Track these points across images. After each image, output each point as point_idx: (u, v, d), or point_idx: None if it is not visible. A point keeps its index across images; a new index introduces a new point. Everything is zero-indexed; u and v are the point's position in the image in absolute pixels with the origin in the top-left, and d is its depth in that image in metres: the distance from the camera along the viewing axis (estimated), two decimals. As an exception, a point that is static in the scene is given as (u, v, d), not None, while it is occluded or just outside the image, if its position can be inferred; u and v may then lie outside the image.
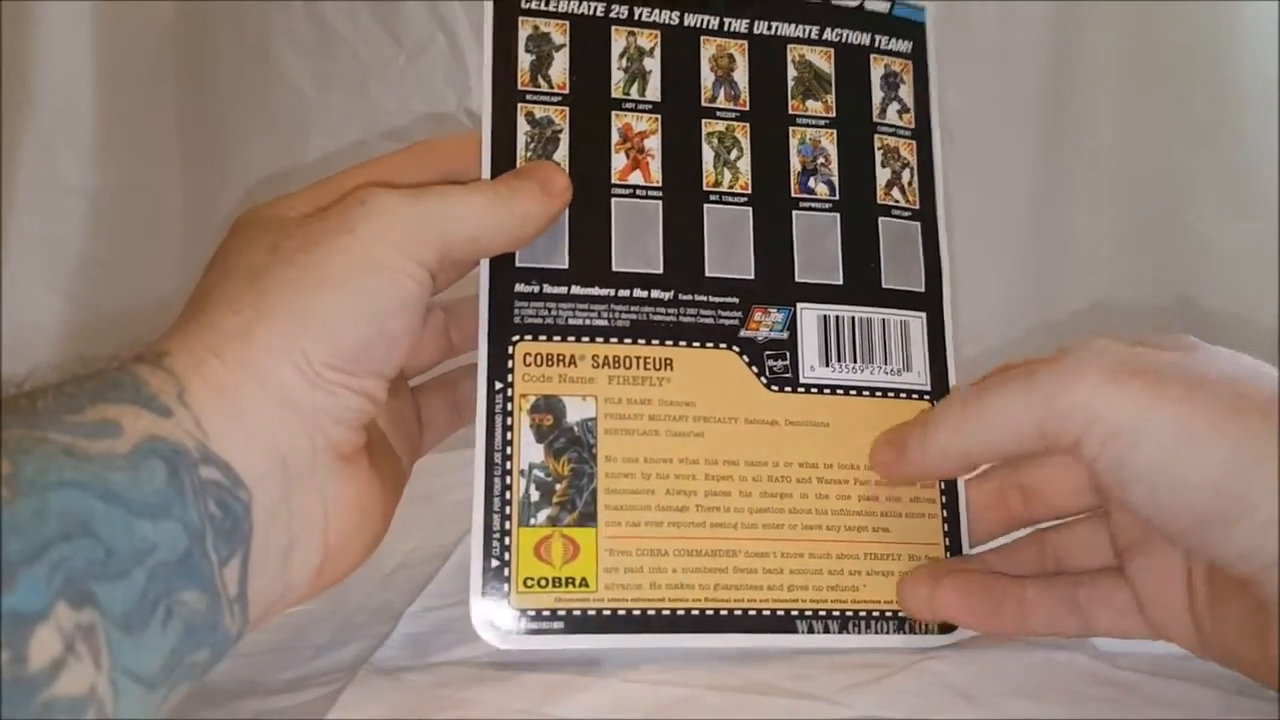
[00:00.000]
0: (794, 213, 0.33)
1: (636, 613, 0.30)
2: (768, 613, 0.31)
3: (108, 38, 0.57)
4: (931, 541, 0.32)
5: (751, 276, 0.33)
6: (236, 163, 0.58)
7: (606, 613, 0.30)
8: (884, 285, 0.33)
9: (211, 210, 0.58)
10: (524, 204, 0.29)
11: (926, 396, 0.33)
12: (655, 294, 0.32)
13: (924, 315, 0.34)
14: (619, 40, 0.33)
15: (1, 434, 0.21)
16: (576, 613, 0.30)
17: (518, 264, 0.32)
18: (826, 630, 0.31)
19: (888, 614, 0.32)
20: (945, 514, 0.32)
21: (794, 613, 0.31)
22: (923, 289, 0.34)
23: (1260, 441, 0.24)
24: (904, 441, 0.30)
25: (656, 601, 0.30)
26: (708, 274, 0.33)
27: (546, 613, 0.30)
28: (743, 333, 0.32)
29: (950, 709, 0.31)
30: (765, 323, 0.33)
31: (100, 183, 0.57)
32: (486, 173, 0.31)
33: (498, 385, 0.31)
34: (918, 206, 0.34)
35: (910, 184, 0.34)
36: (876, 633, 0.31)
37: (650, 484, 0.31)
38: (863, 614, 0.31)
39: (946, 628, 0.32)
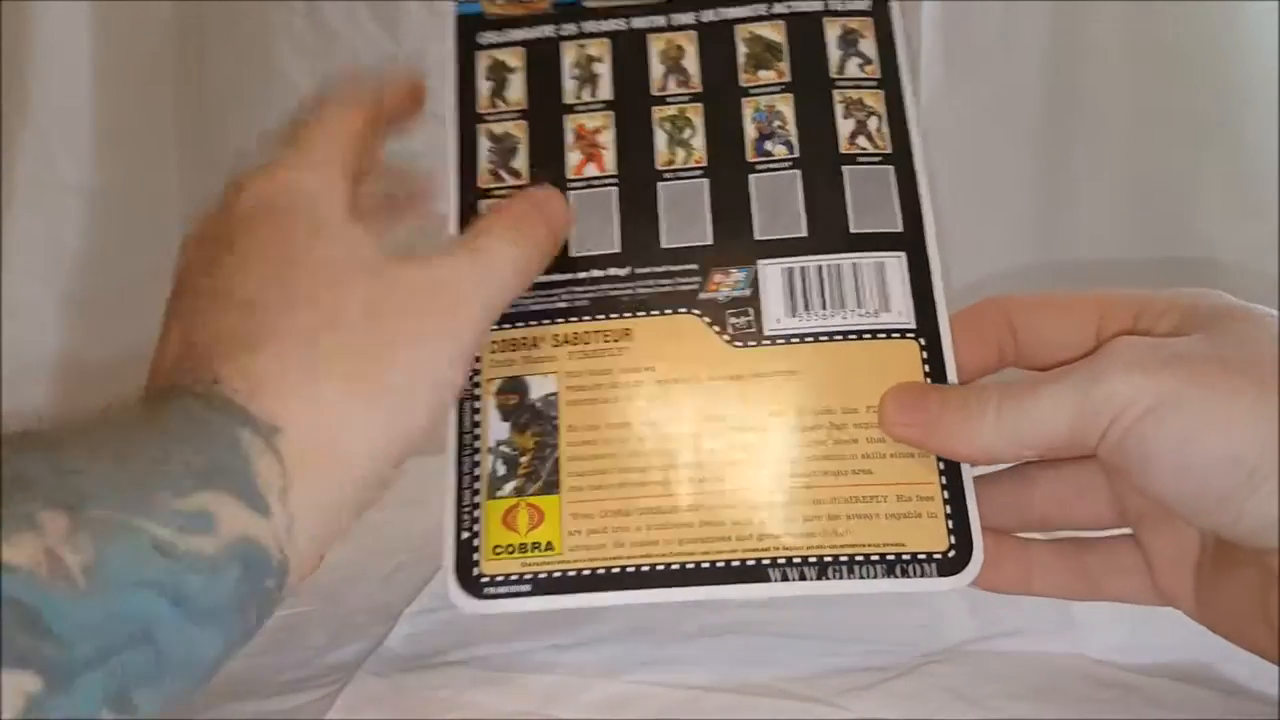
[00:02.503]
0: (751, 176, 0.34)
1: (602, 571, 0.31)
2: (737, 563, 0.31)
3: (106, 38, 0.57)
4: (925, 480, 0.31)
5: (710, 242, 0.33)
6: (235, 162, 0.58)
7: (572, 573, 0.31)
8: (853, 230, 0.33)
9: (211, 210, 0.58)
10: (544, 248, 0.31)
11: (910, 334, 0.32)
12: (612, 271, 0.33)
13: (903, 255, 0.33)
14: (569, 54, 0.36)
15: (89, 511, 0.20)
16: (542, 575, 0.31)
17: None
18: (803, 578, 0.31)
19: (874, 557, 0.30)
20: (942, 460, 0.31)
21: (765, 561, 0.31)
22: (900, 229, 0.33)
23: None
24: (934, 419, 0.29)
25: (623, 560, 0.31)
26: (664, 246, 0.33)
27: (514, 577, 0.31)
28: (702, 295, 0.33)
29: (950, 711, 0.31)
30: (726, 283, 0.33)
31: (99, 182, 0.57)
32: (453, 190, 0.35)
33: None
34: (889, 150, 0.34)
35: (879, 130, 0.34)
36: (861, 578, 0.30)
37: (612, 448, 0.32)
38: (844, 559, 0.30)
39: (946, 569, 0.30)
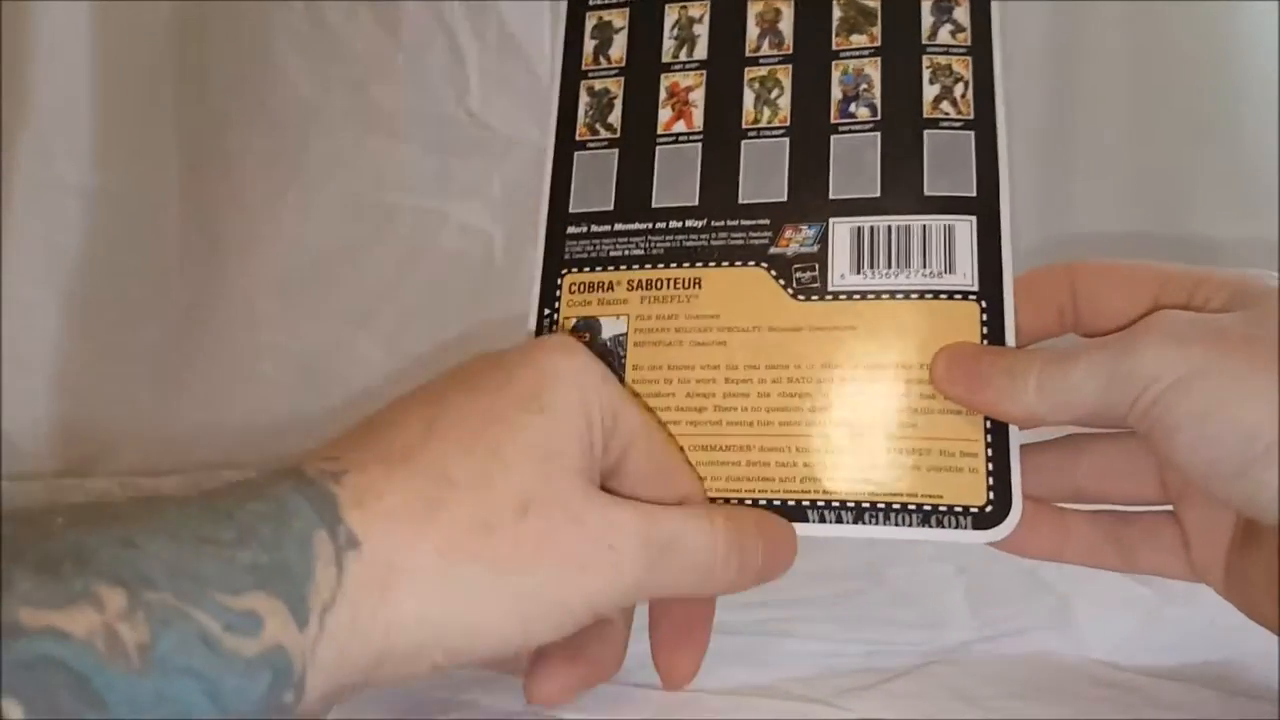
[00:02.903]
0: (833, 137, 0.35)
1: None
2: (778, 503, 0.32)
3: (106, 38, 0.56)
4: (971, 437, 0.31)
5: (784, 199, 0.34)
6: (235, 162, 0.58)
7: None
8: (926, 193, 0.33)
9: (210, 210, 0.58)
10: (737, 577, 0.30)
11: (972, 296, 0.32)
12: (690, 223, 0.35)
13: (974, 219, 0.33)
14: (671, 15, 0.37)
15: (149, 594, 0.20)
16: None
17: (571, 210, 0.36)
18: (839, 520, 0.32)
19: (910, 506, 0.31)
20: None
21: (804, 503, 0.32)
22: (974, 193, 0.33)
23: None
24: (983, 379, 0.30)
25: None
26: (741, 201, 0.35)
27: None
28: (772, 250, 0.34)
29: (950, 711, 0.31)
30: (795, 239, 0.34)
31: (99, 183, 0.57)
32: (551, 140, 0.37)
33: (546, 312, 0.36)
34: (971, 116, 0.34)
35: (964, 96, 0.35)
36: (897, 525, 0.31)
37: (672, 388, 0.33)
38: (881, 506, 0.31)
39: (981, 524, 0.30)
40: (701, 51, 0.37)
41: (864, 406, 0.32)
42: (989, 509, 0.30)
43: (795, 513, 0.32)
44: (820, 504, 0.32)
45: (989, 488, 0.30)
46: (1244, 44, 0.54)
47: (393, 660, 0.25)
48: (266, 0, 0.56)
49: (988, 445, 0.31)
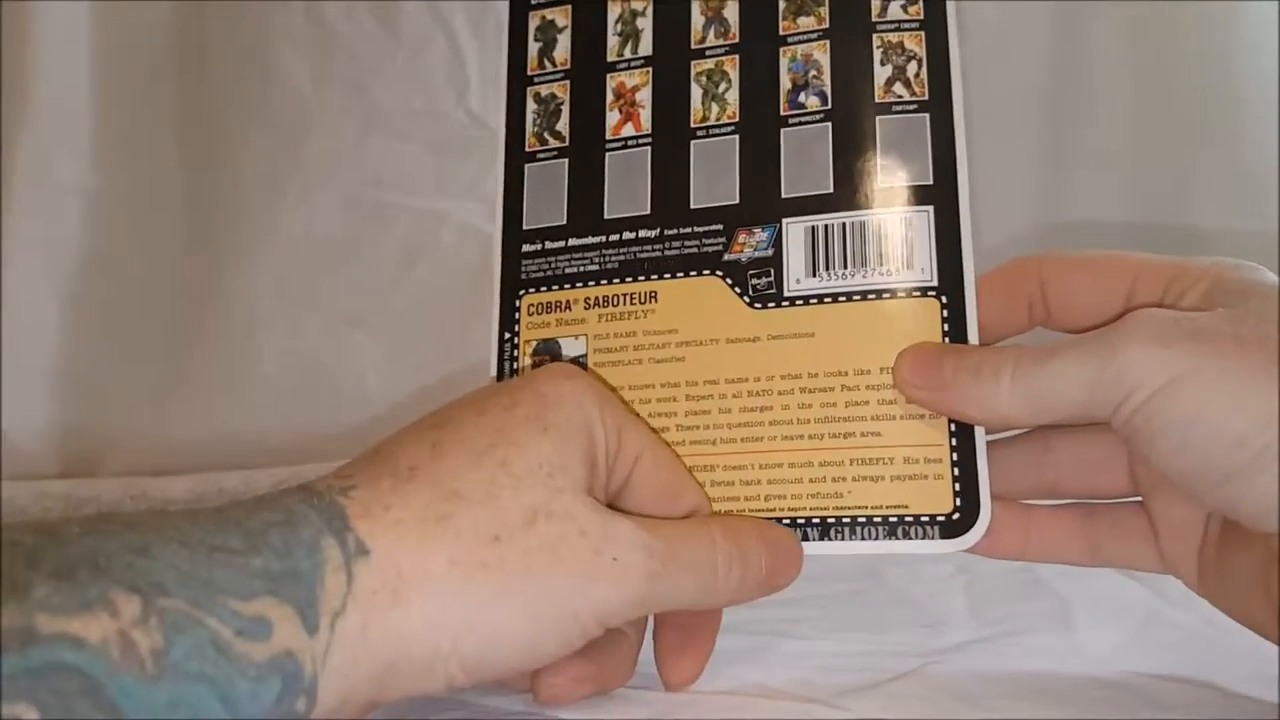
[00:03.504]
0: (783, 131, 0.33)
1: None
2: None
3: (106, 38, 0.57)
4: (935, 443, 0.30)
5: (736, 201, 0.33)
6: (235, 162, 0.58)
7: None
8: (880, 186, 0.32)
9: (210, 210, 0.58)
10: (739, 588, 0.29)
11: (932, 292, 0.31)
12: (642, 233, 0.34)
13: (931, 208, 0.32)
14: (614, 9, 0.35)
15: (163, 600, 0.21)
16: None
17: (524, 227, 0.35)
18: (806, 538, 0.31)
19: (876, 519, 0.30)
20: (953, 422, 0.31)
21: (770, 522, 0.31)
22: (930, 181, 0.32)
23: None
24: (947, 381, 0.29)
25: None
26: (693, 206, 0.33)
27: None
28: (726, 256, 0.33)
29: (950, 711, 0.31)
30: (749, 243, 0.33)
31: (99, 183, 0.57)
32: (500, 154, 0.35)
33: (506, 335, 0.34)
34: (925, 97, 0.32)
35: (918, 75, 0.33)
36: (863, 539, 0.31)
37: (633, 410, 0.32)
38: (846, 520, 0.31)
39: (949, 532, 0.30)
40: (646, 47, 0.35)
41: (824, 417, 0.31)
42: (956, 516, 0.30)
43: None
44: (785, 522, 0.31)
45: (955, 494, 0.30)
46: (1244, 44, 0.54)
47: (406, 670, 0.25)
48: (266, 0, 0.56)
49: (953, 449, 0.30)
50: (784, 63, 0.34)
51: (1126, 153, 0.57)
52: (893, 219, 0.32)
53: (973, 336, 0.30)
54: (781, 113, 0.33)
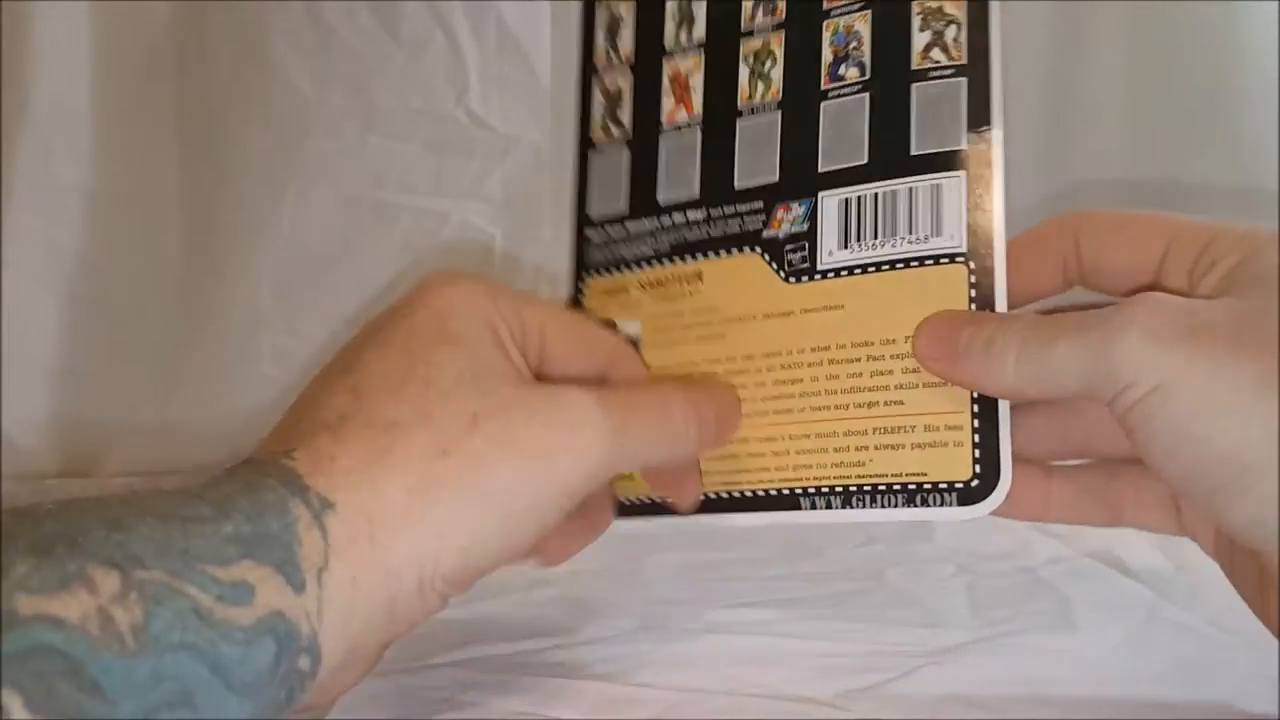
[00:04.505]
0: (823, 104, 0.33)
1: (659, 500, 0.34)
2: (774, 492, 0.32)
3: (105, 38, 0.56)
4: (956, 410, 0.30)
5: (776, 178, 0.33)
6: (235, 162, 0.58)
7: (633, 501, 0.34)
8: (913, 152, 0.32)
9: (210, 210, 0.58)
10: (690, 441, 0.30)
11: (960, 259, 0.31)
12: (691, 215, 0.35)
13: (963, 174, 0.31)
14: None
15: (140, 573, 0.21)
16: (623, 501, 0.34)
17: (591, 215, 0.36)
18: (829, 506, 0.31)
19: (895, 487, 0.30)
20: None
21: (798, 490, 0.32)
22: (963, 145, 0.31)
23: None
24: (961, 352, 0.29)
25: None
26: (736, 186, 0.34)
27: None
28: (765, 233, 0.33)
29: (950, 711, 0.31)
30: (787, 219, 0.33)
31: (98, 183, 0.57)
32: (574, 144, 0.37)
33: None
34: (963, 61, 0.32)
35: (956, 39, 0.32)
36: (883, 506, 0.31)
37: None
38: (867, 488, 0.31)
39: (967, 499, 0.30)
40: (700, 31, 0.35)
41: (850, 388, 0.31)
42: (975, 483, 0.29)
43: (789, 501, 0.32)
44: (811, 490, 0.31)
45: (975, 460, 0.29)
46: (1244, 44, 0.54)
47: (404, 605, 0.25)
48: (266, 0, 0.56)
49: (974, 416, 0.30)
50: (826, 36, 0.34)
51: (1126, 153, 0.57)
52: (923, 186, 0.31)
53: (1000, 304, 0.30)
54: (822, 86, 0.33)
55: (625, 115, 0.36)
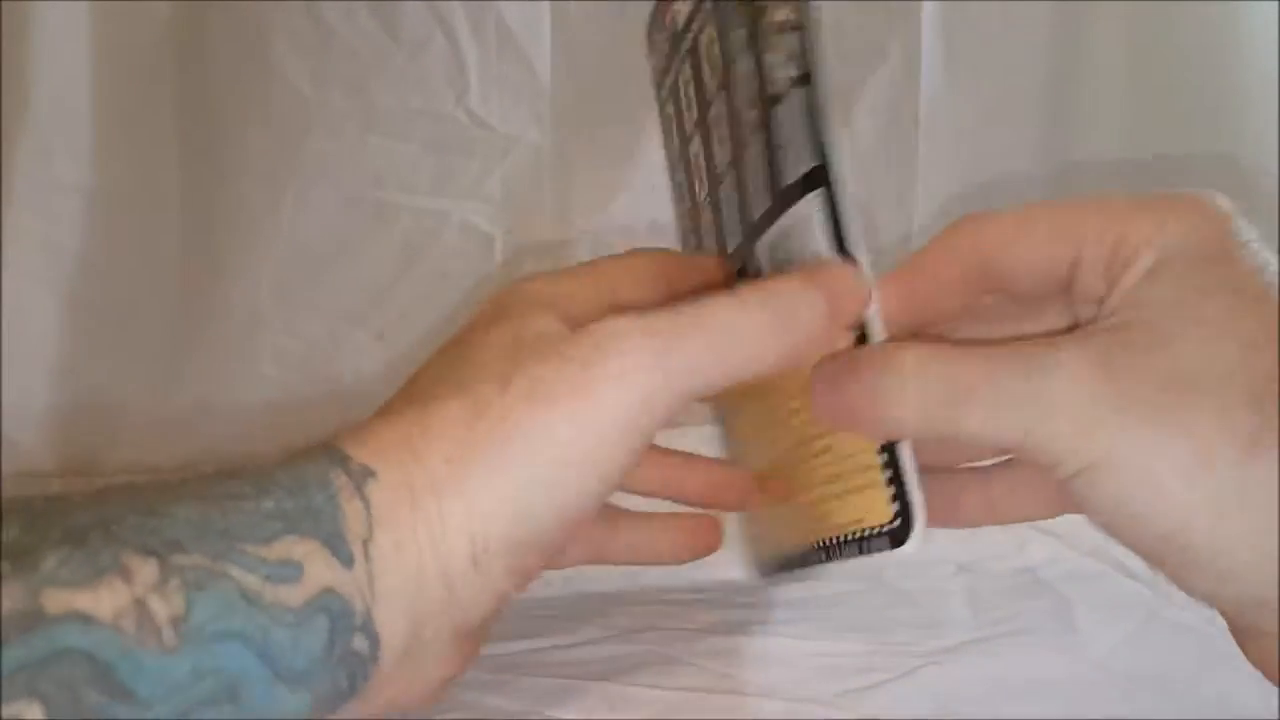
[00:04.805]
0: (745, 156, 0.31)
1: None
2: (796, 553, 0.32)
3: (105, 38, 0.56)
4: (866, 449, 0.28)
5: (740, 240, 0.32)
6: (235, 162, 0.58)
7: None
8: (781, 186, 0.28)
9: (210, 210, 0.58)
10: (800, 318, 0.26)
11: None
12: None
13: (821, 190, 0.27)
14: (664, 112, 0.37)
15: (179, 557, 0.19)
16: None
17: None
18: (802, 565, 0.31)
19: (848, 537, 0.29)
20: None
21: (770, 560, 0.33)
22: (814, 161, 0.27)
23: (1224, 490, 0.22)
24: (853, 408, 0.25)
25: None
26: (728, 250, 0.33)
27: None
28: None
29: (950, 712, 0.31)
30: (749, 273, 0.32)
31: (98, 183, 0.57)
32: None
33: None
34: (799, 73, 0.27)
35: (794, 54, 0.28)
36: (843, 558, 0.29)
37: None
38: (834, 541, 0.29)
39: (896, 541, 0.27)
40: (695, 113, 0.34)
41: (781, 448, 0.31)
42: (897, 522, 0.27)
43: (769, 570, 0.33)
44: (779, 560, 0.32)
45: (891, 499, 0.27)
46: (1244, 44, 0.54)
47: (460, 579, 0.23)
48: (266, 0, 0.56)
49: (880, 451, 0.27)
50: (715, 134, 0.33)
51: (1126, 153, 0.57)
52: (791, 220, 0.28)
53: (876, 333, 0.27)
54: (717, 175, 0.33)
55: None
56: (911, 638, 0.36)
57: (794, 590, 0.41)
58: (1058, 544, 0.44)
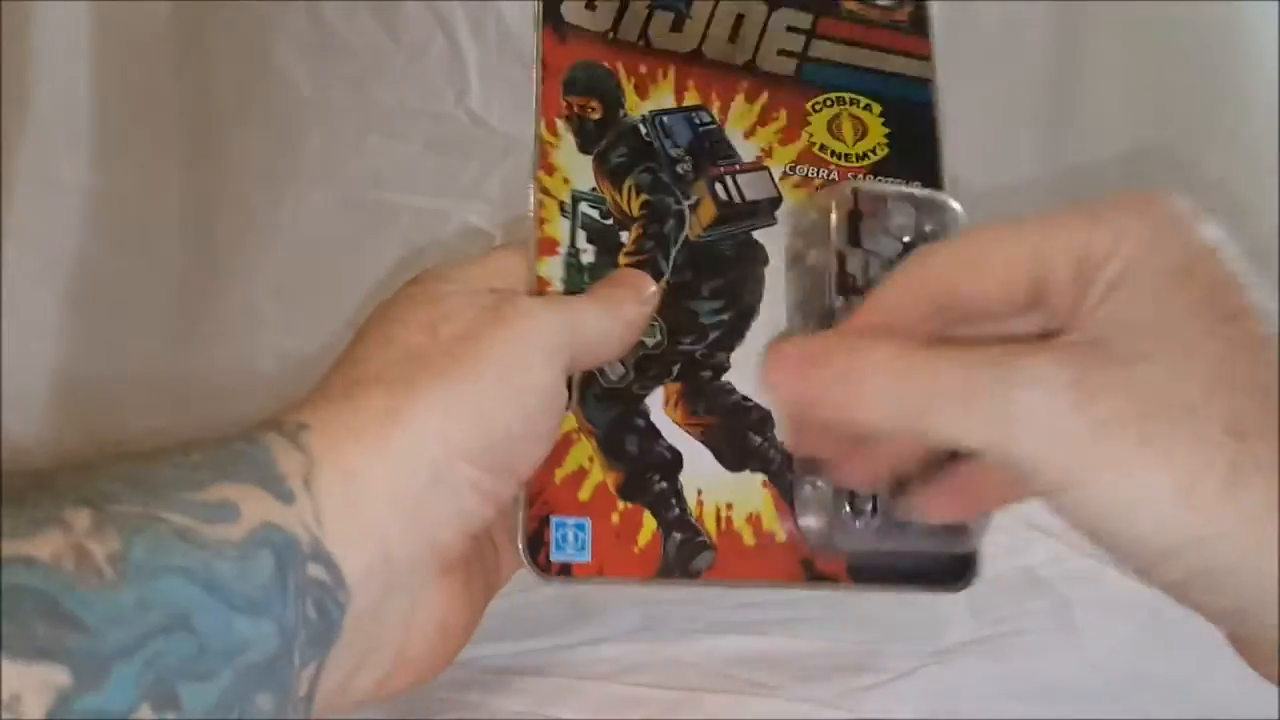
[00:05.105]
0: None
1: None
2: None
3: (105, 37, 0.56)
4: None
5: None
6: (235, 162, 0.58)
7: None
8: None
9: (210, 210, 0.58)
10: (628, 311, 0.31)
11: None
12: None
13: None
14: None
15: (115, 506, 0.20)
16: None
17: None
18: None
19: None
20: None
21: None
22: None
23: (1209, 521, 0.22)
24: (812, 398, 0.26)
25: None
26: None
27: None
28: None
29: (950, 711, 0.31)
30: None
31: (98, 183, 0.57)
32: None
33: None
34: None
35: None
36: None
37: None
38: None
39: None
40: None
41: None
42: None
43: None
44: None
45: None
46: (1244, 44, 0.54)
47: (429, 500, 0.25)
48: (266, 0, 0.56)
49: None
50: None
51: (1126, 153, 0.57)
52: None
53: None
54: None
55: None
56: (911, 638, 0.36)
57: (794, 590, 0.41)
58: (1058, 544, 0.44)
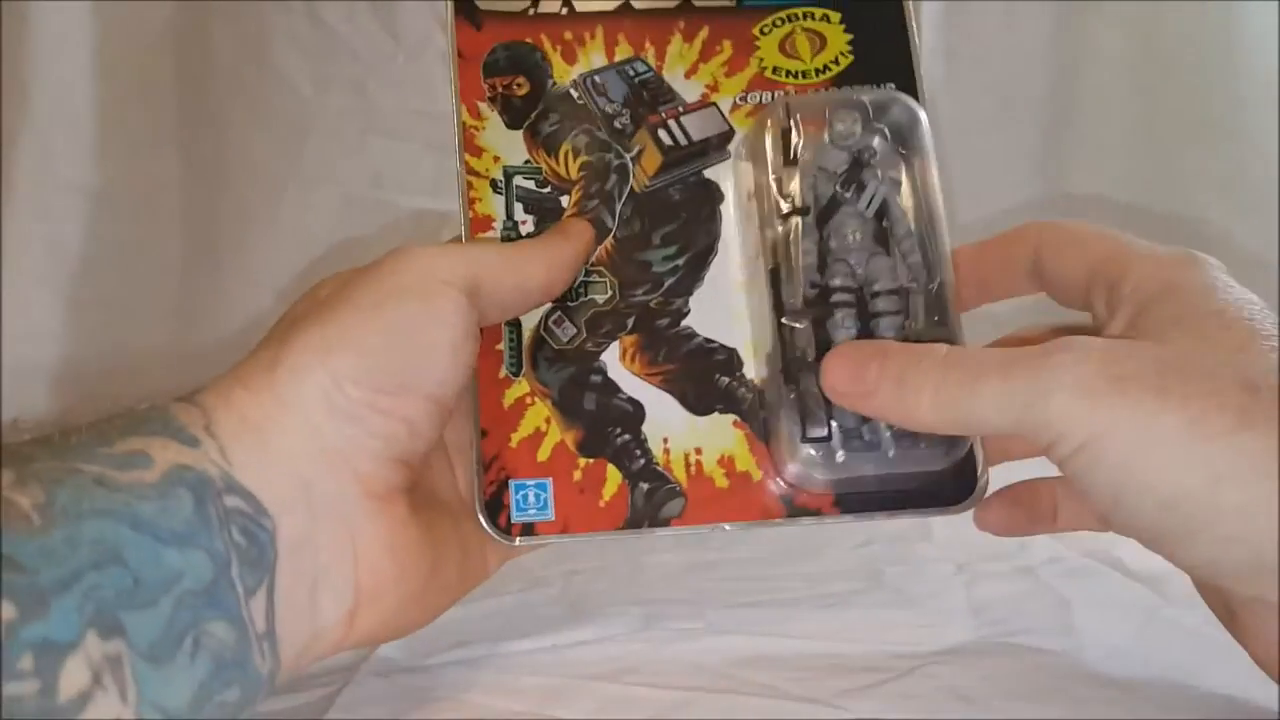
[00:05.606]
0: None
1: None
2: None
3: (106, 37, 0.57)
4: None
5: None
6: (235, 162, 0.58)
7: None
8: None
9: (210, 210, 0.58)
10: (550, 244, 0.31)
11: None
12: None
13: None
14: None
15: (34, 465, 0.21)
16: None
17: None
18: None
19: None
20: None
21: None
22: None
23: (1220, 458, 0.23)
24: (870, 387, 0.28)
25: None
26: None
27: None
28: None
29: (950, 711, 0.31)
30: None
31: (99, 182, 0.57)
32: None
33: None
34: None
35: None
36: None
37: None
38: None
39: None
40: None
41: None
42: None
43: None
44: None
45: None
46: (1244, 44, 0.54)
47: (329, 427, 0.26)
48: (266, 1, 0.56)
49: None
50: None
51: (1126, 153, 0.57)
52: None
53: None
54: None
55: None
56: (911, 638, 0.36)
57: (794, 590, 0.41)
58: (1058, 544, 0.44)
